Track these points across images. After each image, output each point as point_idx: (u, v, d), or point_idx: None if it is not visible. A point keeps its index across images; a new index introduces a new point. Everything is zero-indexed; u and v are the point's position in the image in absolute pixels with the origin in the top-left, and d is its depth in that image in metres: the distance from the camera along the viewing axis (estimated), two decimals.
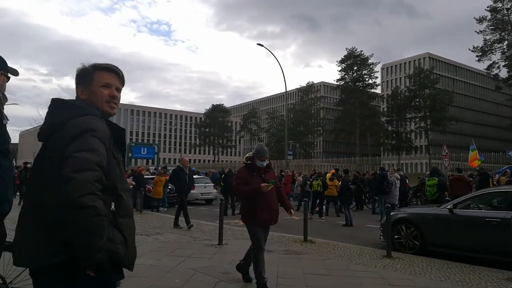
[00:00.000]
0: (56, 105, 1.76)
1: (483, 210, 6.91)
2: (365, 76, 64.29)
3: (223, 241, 7.66)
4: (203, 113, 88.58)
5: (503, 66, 51.70)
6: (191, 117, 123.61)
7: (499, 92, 65.59)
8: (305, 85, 79.89)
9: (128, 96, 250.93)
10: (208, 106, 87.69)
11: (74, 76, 1.86)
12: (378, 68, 72.11)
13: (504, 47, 50.45)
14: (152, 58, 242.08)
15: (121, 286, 4.60)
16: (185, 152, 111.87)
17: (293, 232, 9.45)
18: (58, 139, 1.61)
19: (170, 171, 28.89)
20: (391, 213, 7.49)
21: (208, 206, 17.78)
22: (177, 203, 9.99)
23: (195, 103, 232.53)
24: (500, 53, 51.02)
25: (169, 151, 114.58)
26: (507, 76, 52.02)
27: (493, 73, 53.17)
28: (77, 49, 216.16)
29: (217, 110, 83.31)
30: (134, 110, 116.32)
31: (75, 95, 1.87)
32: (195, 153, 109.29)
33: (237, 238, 8.39)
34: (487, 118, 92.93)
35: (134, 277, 4.94)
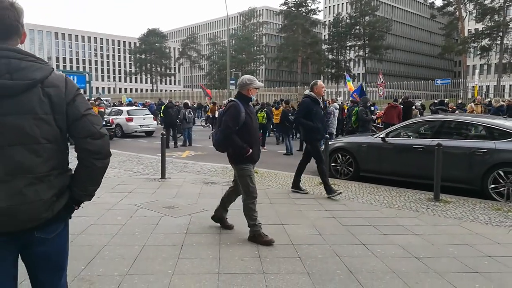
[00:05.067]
0: (34, 58, 1.57)
1: (411, 138, 7.46)
2: (308, 1, 63.05)
3: (166, 175, 7.60)
4: (137, 38, 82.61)
5: None
6: (124, 41, 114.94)
7: (433, 20, 68.26)
8: (247, 9, 76.66)
9: (50, 17, 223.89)
10: (143, 31, 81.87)
11: (21, 13, 1.59)
12: None
13: None
14: None
15: None
16: (120, 81, 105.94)
17: None
18: (48, 95, 1.53)
19: (107, 103, 27.14)
20: (329, 142, 7.84)
21: (148, 139, 17.37)
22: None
23: (127, 26, 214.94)
24: None
25: (102, 80, 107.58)
26: (442, 4, 53.88)
27: (429, 1, 54.63)
28: None
29: (153, 35, 78.07)
30: (58, 33, 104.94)
31: None
32: (131, 81, 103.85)
33: (181, 171, 8.37)
34: (421, 46, 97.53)
35: (74, 217, 4.76)
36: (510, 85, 59.40)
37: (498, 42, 48.47)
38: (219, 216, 4.62)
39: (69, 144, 1.70)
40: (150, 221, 4.77)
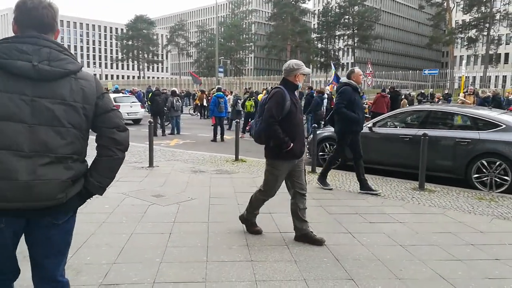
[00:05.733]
0: (69, 53, 1.75)
1: (398, 128, 7.54)
2: None
3: (153, 163, 7.55)
4: (125, 24, 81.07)
5: None
6: (111, 27, 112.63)
7: (421, 11, 68.48)
8: None
9: None
10: (130, 17, 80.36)
11: (57, 12, 1.79)
12: None
13: None
14: None
15: None
16: (106, 67, 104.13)
17: (224, 151, 9.61)
18: (81, 86, 1.71)
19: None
20: (317, 132, 7.87)
21: (136, 126, 17.16)
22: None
23: (114, 12, 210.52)
24: None
25: (88, 66, 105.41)
26: None
27: None
28: None
29: (141, 21, 76.62)
30: None
31: None
32: (117, 68, 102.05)
33: (168, 160, 8.33)
34: (409, 37, 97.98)
35: None
36: (496, 76, 60.37)
37: (485, 33, 49.00)
38: (302, 234, 3.86)
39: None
40: (138, 209, 4.75)
